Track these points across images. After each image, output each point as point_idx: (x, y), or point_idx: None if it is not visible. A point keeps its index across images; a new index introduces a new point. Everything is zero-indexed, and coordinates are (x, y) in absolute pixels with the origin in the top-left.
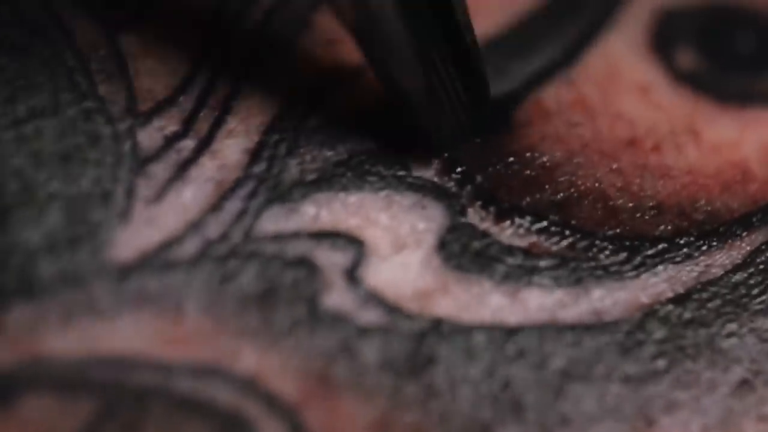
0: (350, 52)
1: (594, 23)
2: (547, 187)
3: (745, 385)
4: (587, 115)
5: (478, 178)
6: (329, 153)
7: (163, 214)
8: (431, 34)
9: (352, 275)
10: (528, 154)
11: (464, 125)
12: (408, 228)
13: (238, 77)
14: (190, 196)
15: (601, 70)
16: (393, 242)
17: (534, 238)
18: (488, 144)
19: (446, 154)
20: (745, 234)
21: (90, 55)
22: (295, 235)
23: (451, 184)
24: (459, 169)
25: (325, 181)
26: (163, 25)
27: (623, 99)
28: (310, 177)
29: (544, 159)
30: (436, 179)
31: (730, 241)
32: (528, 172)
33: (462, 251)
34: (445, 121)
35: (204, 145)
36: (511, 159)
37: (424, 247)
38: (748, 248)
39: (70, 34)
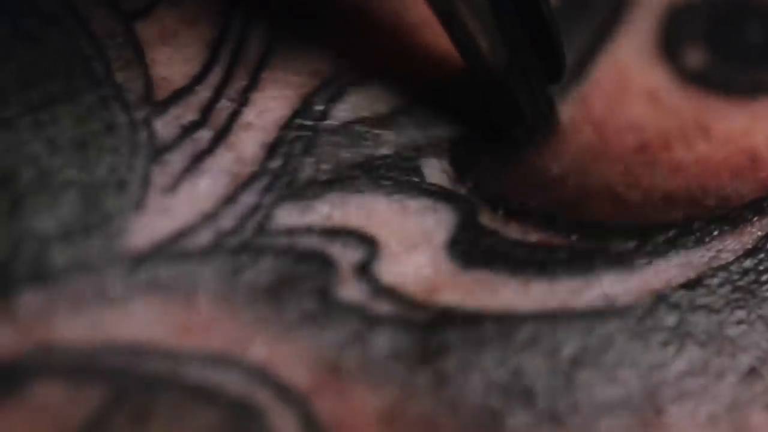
0: (372, 48)
1: (603, 31)
2: (556, 189)
3: (752, 373)
4: (597, 124)
5: (488, 183)
6: (345, 154)
7: (177, 204)
8: (509, 7)
9: (364, 270)
10: (537, 163)
11: (541, 100)
12: (419, 228)
13: (257, 69)
14: (205, 187)
15: (611, 79)
16: (404, 241)
17: (543, 235)
18: (499, 152)
19: (454, 160)
20: (755, 219)
21: (106, 43)
22: (308, 231)
23: (462, 187)
24: (469, 174)
25: (339, 182)
26: (180, 14)
27: (633, 106)
28: (325, 177)
29: (553, 166)
30: (447, 184)
31: (740, 226)
32: (537, 177)
33: (472, 247)
34: (526, 95)
35: (221, 137)
36: (521, 167)
37: (434, 245)
38: (759, 233)
39: (86, 22)
